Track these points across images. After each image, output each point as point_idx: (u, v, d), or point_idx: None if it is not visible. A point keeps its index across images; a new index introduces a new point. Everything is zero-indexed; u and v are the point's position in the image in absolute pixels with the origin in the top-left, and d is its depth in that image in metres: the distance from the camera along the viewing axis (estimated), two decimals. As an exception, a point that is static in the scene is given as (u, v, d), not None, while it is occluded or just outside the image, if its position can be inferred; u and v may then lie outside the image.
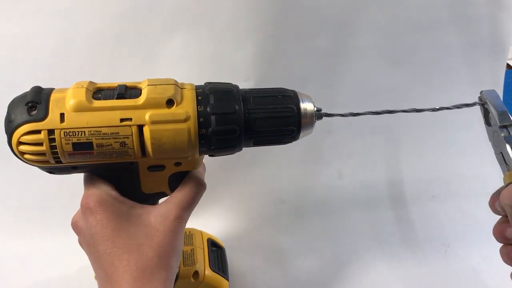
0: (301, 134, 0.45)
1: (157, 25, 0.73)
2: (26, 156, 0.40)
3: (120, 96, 0.40)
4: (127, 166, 0.43)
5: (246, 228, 0.80)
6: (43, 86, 0.41)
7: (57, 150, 0.39)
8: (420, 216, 0.84)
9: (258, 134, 0.43)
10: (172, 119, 0.40)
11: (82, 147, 0.39)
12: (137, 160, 0.43)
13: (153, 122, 0.40)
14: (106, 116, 0.39)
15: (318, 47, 0.79)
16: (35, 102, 0.39)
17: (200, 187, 0.46)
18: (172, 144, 0.41)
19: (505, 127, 0.43)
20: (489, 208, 0.43)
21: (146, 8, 0.71)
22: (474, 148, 0.87)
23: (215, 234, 0.71)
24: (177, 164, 0.45)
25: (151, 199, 0.47)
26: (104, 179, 0.44)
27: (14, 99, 0.41)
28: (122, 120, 0.40)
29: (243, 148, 0.45)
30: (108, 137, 0.39)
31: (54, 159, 0.40)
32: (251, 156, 0.82)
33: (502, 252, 0.42)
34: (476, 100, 0.47)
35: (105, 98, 0.40)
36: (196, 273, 0.59)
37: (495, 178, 0.46)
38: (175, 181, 0.46)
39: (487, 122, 0.46)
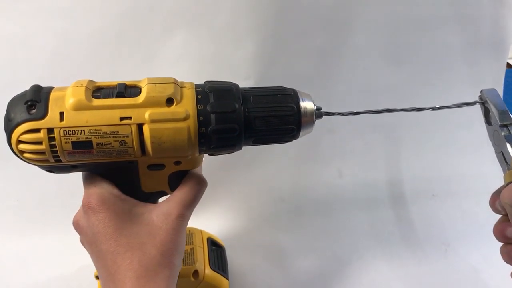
0: (301, 133, 0.45)
1: (157, 24, 0.73)
2: (26, 155, 0.40)
3: (120, 95, 0.40)
4: (127, 165, 0.43)
5: (246, 227, 0.80)
6: (43, 85, 0.41)
7: (57, 149, 0.39)
8: (420, 215, 0.84)
9: (258, 133, 0.43)
10: (171, 117, 0.40)
11: (82, 146, 0.39)
12: (136, 159, 0.43)
13: (153, 121, 0.40)
14: (106, 114, 0.39)
15: (318, 46, 0.79)
16: (35, 100, 0.39)
17: (201, 184, 0.46)
18: (172, 143, 0.41)
19: (505, 126, 0.43)
20: (490, 207, 0.43)
21: (146, 7, 0.71)
22: (474, 147, 0.87)
23: (215, 233, 0.71)
24: (177, 163, 0.45)
25: (151, 198, 0.46)
26: (104, 178, 0.44)
27: (13, 97, 0.41)
28: (121, 118, 0.39)
29: (243, 147, 0.45)
30: (108, 136, 0.39)
31: (54, 158, 0.40)
32: (251, 155, 0.82)
33: (503, 251, 0.42)
34: (477, 99, 0.47)
35: (105, 97, 0.40)
36: (196, 272, 0.59)
37: (496, 177, 0.46)
38: (175, 180, 0.46)
39: (488, 121, 0.46)
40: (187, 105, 0.41)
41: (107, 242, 0.41)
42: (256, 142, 0.45)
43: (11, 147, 0.40)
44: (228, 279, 0.64)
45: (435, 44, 0.85)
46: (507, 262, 0.41)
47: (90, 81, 0.42)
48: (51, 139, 0.39)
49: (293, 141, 0.46)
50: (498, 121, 0.44)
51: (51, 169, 0.43)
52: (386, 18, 0.80)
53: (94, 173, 0.44)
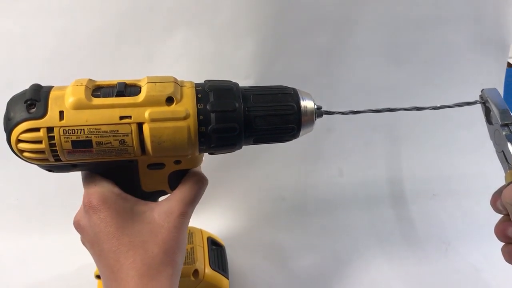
0: (301, 132, 0.45)
1: (157, 23, 0.73)
2: (25, 154, 0.40)
3: (120, 94, 0.40)
4: (127, 164, 0.43)
5: (246, 227, 0.80)
6: (42, 84, 0.41)
7: (56, 148, 0.39)
8: (420, 215, 0.84)
9: (258, 132, 0.43)
10: (171, 117, 0.40)
11: (82, 145, 0.39)
12: (136, 158, 0.43)
13: (153, 120, 0.40)
14: (106, 113, 0.39)
15: (318, 45, 0.79)
16: (34, 99, 0.39)
17: (202, 182, 0.46)
18: (171, 142, 0.40)
19: (506, 125, 0.43)
20: (490, 206, 0.43)
21: (146, 6, 0.71)
22: (474, 146, 0.87)
23: (215, 232, 0.71)
24: (177, 162, 0.45)
25: (151, 198, 0.46)
26: (104, 177, 0.44)
27: (13, 96, 0.40)
28: (121, 118, 0.39)
29: (243, 146, 0.45)
30: (108, 135, 0.39)
31: (54, 157, 0.40)
32: (251, 154, 0.82)
33: (504, 251, 0.42)
34: (477, 98, 0.47)
35: (105, 96, 0.40)
36: (196, 272, 0.59)
37: (496, 177, 0.46)
38: (175, 179, 0.46)
39: (488, 121, 0.46)
40: (187, 104, 0.41)
41: (109, 241, 0.41)
42: (256, 141, 0.45)
43: (10, 146, 0.40)
44: (228, 279, 0.64)
45: (435, 43, 0.84)
46: (508, 262, 0.41)
47: (90, 80, 0.41)
48: (51, 138, 0.39)
49: (293, 140, 0.46)
50: (499, 120, 0.43)
51: (50, 168, 0.43)
52: (387, 18, 0.80)
53: (94, 172, 0.44)
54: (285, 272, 0.73)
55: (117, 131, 0.39)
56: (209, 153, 0.45)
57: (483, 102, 0.46)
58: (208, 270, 0.61)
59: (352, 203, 0.86)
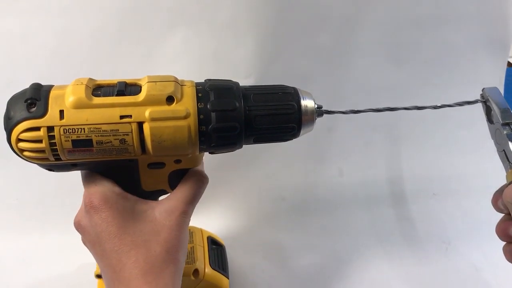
0: (301, 131, 0.45)
1: (157, 22, 0.72)
2: (26, 153, 0.40)
3: (120, 93, 0.40)
4: (127, 163, 0.43)
5: (246, 226, 0.80)
6: (43, 83, 0.41)
7: (57, 147, 0.39)
8: (420, 214, 0.84)
9: (258, 131, 0.43)
10: (172, 116, 0.40)
11: (82, 144, 0.39)
12: (137, 158, 0.43)
13: (153, 119, 0.40)
14: (106, 113, 0.39)
15: (319, 44, 0.79)
16: (35, 99, 0.39)
17: (202, 181, 0.46)
18: (172, 141, 0.40)
19: (507, 124, 0.43)
20: (491, 206, 0.43)
21: (146, 5, 0.71)
22: (475, 146, 0.87)
23: (215, 232, 0.71)
24: (177, 161, 0.45)
25: (151, 197, 0.46)
26: (104, 176, 0.44)
27: (13, 96, 0.40)
28: (121, 117, 0.39)
29: (244, 146, 0.45)
30: (108, 134, 0.39)
31: (54, 156, 0.40)
32: (252, 153, 0.82)
33: (505, 250, 0.42)
34: (478, 97, 0.47)
35: (105, 95, 0.40)
36: (196, 271, 0.59)
37: (497, 176, 0.45)
38: (175, 179, 0.46)
39: (489, 120, 0.46)
40: (187, 104, 0.41)
41: (111, 241, 0.41)
42: (257, 141, 0.44)
43: (11, 145, 0.40)
44: (228, 278, 0.64)
45: (436, 43, 0.84)
46: (510, 261, 0.41)
47: (90, 79, 0.41)
48: (51, 137, 0.39)
49: (294, 139, 0.46)
50: (500, 119, 0.43)
51: (51, 168, 0.43)
52: (387, 17, 0.80)
53: (94, 171, 0.44)
54: (285, 272, 0.73)
55: (118, 130, 0.39)
56: (209, 153, 0.45)
57: (484, 101, 0.46)
58: (208, 270, 0.61)
59: (352, 203, 0.85)
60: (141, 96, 0.40)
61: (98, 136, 0.39)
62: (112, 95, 0.40)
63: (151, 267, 0.40)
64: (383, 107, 0.47)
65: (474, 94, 0.48)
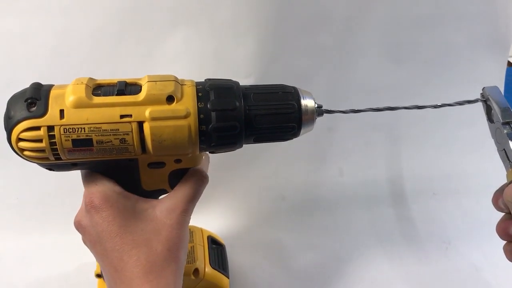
0: (301, 131, 0.45)
1: (157, 21, 0.72)
2: (26, 152, 0.40)
3: (120, 93, 0.40)
4: (127, 163, 0.43)
5: (246, 226, 0.80)
6: (43, 83, 0.41)
7: (57, 146, 0.39)
8: (421, 214, 0.84)
9: (258, 130, 0.43)
10: (172, 115, 0.40)
11: (82, 143, 0.39)
12: (137, 157, 0.42)
13: (153, 119, 0.40)
14: (106, 112, 0.39)
15: (319, 44, 0.79)
16: (35, 98, 0.39)
17: (202, 180, 0.46)
18: (172, 140, 0.40)
19: (508, 123, 0.43)
20: (491, 205, 0.43)
21: (146, 5, 0.71)
22: (475, 145, 0.87)
23: (215, 231, 0.71)
24: (177, 161, 0.45)
25: (151, 196, 0.46)
26: (105, 176, 0.44)
27: (13, 95, 0.40)
28: (122, 116, 0.39)
29: (244, 145, 0.45)
30: (108, 133, 0.39)
31: (54, 156, 0.40)
32: (252, 153, 0.82)
33: (506, 249, 0.42)
34: (478, 96, 0.47)
35: (105, 95, 0.40)
36: (196, 271, 0.59)
37: (497, 175, 0.45)
38: (175, 178, 0.46)
39: (490, 119, 0.46)
40: (187, 103, 0.41)
41: (112, 240, 0.41)
42: (257, 140, 0.44)
43: (11, 145, 0.40)
44: (228, 277, 0.64)
45: (436, 42, 0.84)
46: (510, 261, 0.41)
47: (90, 79, 0.41)
48: (51, 136, 0.39)
49: (294, 139, 0.46)
50: (500, 118, 0.43)
51: (51, 167, 0.43)
52: (387, 17, 0.80)
53: (94, 171, 0.44)
54: (285, 271, 0.73)
55: (118, 129, 0.39)
56: (209, 152, 0.45)
57: (484, 100, 0.46)
58: (209, 269, 0.61)
59: (353, 203, 0.85)
60: (141, 96, 0.40)
61: (98, 135, 0.39)
62: (112, 95, 0.40)
63: (153, 265, 0.40)
64: (383, 107, 0.47)
65: (474, 93, 0.48)
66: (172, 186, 0.46)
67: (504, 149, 0.43)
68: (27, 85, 0.41)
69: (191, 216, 0.45)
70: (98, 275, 0.61)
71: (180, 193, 0.45)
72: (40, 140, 0.39)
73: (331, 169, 0.87)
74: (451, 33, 0.84)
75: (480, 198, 0.83)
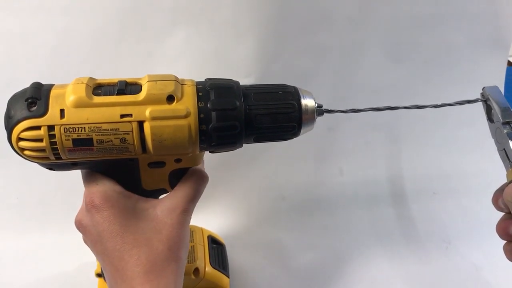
0: (302, 131, 0.45)
1: (158, 21, 0.72)
2: (26, 152, 0.40)
3: (120, 92, 0.40)
4: (127, 162, 0.43)
5: (247, 225, 0.80)
6: (43, 82, 0.41)
7: (57, 146, 0.39)
8: (421, 213, 0.84)
9: (258, 130, 0.43)
10: (172, 115, 0.40)
11: (82, 143, 0.39)
12: (137, 157, 0.42)
13: (154, 118, 0.40)
14: (106, 112, 0.39)
15: (319, 43, 0.79)
16: (35, 98, 0.39)
17: (203, 179, 0.46)
18: (172, 140, 0.40)
19: (508, 123, 0.43)
20: (491, 205, 0.43)
21: (146, 4, 0.71)
22: (475, 144, 0.87)
23: (215, 231, 0.71)
24: (178, 160, 0.45)
25: (151, 196, 0.46)
26: (105, 176, 0.44)
27: (14, 95, 0.40)
28: (122, 116, 0.39)
29: (244, 145, 0.45)
30: (108, 133, 0.39)
31: (54, 155, 0.40)
32: (252, 152, 0.82)
33: (506, 249, 0.42)
34: (478, 96, 0.47)
35: (105, 94, 0.40)
36: (196, 270, 0.59)
37: (497, 175, 0.45)
38: (176, 178, 0.46)
39: (490, 119, 0.46)
40: (187, 103, 0.41)
41: (113, 239, 0.41)
42: (257, 140, 0.44)
43: (11, 144, 0.40)
44: (228, 277, 0.64)
45: (436, 42, 0.84)
46: (510, 260, 0.41)
47: (91, 79, 0.41)
48: (52, 136, 0.39)
49: (294, 139, 0.46)
50: (500, 118, 0.43)
51: (51, 167, 0.43)
52: (387, 16, 0.80)
53: (95, 170, 0.44)
54: (285, 271, 0.73)
55: (118, 129, 0.39)
56: (209, 152, 0.45)
57: (484, 100, 0.46)
58: (209, 269, 0.61)
59: (353, 202, 0.86)
60: (141, 95, 0.40)
61: (99, 135, 0.39)
62: (113, 94, 0.40)
63: (153, 265, 0.40)
64: (383, 106, 0.47)
65: (474, 93, 0.48)
66: (172, 186, 0.46)
67: (504, 148, 0.43)
68: (27, 84, 0.41)
69: (192, 216, 0.45)
70: (98, 275, 0.61)
71: (180, 192, 0.45)
72: (40, 140, 0.39)
73: (331, 168, 0.87)
74: (451, 33, 0.84)
75: (480, 197, 0.83)
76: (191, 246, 0.62)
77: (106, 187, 0.43)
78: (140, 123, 0.40)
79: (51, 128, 0.39)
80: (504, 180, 0.42)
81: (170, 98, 0.40)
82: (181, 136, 0.40)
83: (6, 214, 0.76)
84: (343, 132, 0.86)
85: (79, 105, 0.39)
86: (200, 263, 0.60)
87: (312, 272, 0.73)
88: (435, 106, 0.47)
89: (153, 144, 0.40)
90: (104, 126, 0.39)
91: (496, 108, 0.44)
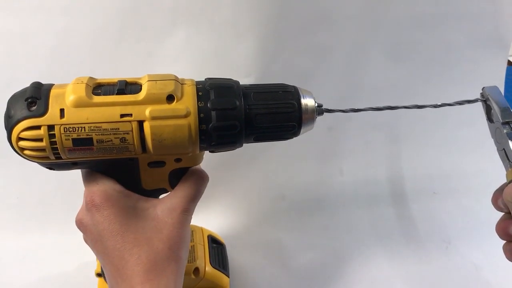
0: (302, 130, 0.45)
1: (158, 21, 0.72)
2: (26, 152, 0.40)
3: (120, 92, 0.40)
4: (127, 162, 0.43)
5: (247, 225, 0.80)
6: (43, 82, 0.41)
7: (57, 146, 0.39)
8: (421, 213, 0.84)
9: (258, 130, 0.43)
10: (172, 114, 0.40)
11: (82, 142, 0.39)
12: (137, 156, 0.43)
13: (154, 118, 0.40)
14: (106, 111, 0.39)
15: (319, 43, 0.79)
16: (35, 97, 0.39)
17: (203, 179, 0.46)
18: (172, 140, 0.40)
19: (507, 123, 0.43)
20: (491, 205, 0.43)
21: (146, 4, 0.71)
22: (475, 144, 0.87)
23: (215, 230, 0.71)
24: (178, 160, 0.45)
25: (151, 196, 0.46)
26: (105, 175, 0.44)
27: (14, 94, 0.40)
28: (122, 115, 0.39)
29: (244, 144, 0.45)
30: (108, 132, 0.39)
31: (54, 155, 0.40)
32: (252, 152, 0.82)
33: (506, 249, 0.42)
34: (478, 96, 0.47)
35: (105, 94, 0.40)
36: (196, 270, 0.59)
37: (497, 175, 0.45)
38: (176, 178, 0.46)
39: (489, 119, 0.46)
40: (187, 102, 0.41)
41: (113, 238, 0.41)
42: (257, 139, 0.44)
43: (11, 144, 0.40)
44: (228, 277, 0.64)
45: (436, 41, 0.84)
46: (510, 260, 0.41)
47: (91, 78, 0.41)
48: (52, 136, 0.39)
49: (294, 138, 0.46)
50: (500, 118, 0.43)
51: (51, 166, 0.43)
52: (387, 16, 0.80)
53: (95, 170, 0.44)
54: (285, 270, 0.73)
55: (118, 129, 0.39)
56: (209, 151, 0.45)
57: (484, 100, 0.46)
58: (209, 268, 0.61)
59: (353, 202, 0.86)
60: (141, 95, 0.40)
61: (99, 134, 0.39)
62: (113, 94, 0.40)
63: (154, 264, 0.40)
64: (383, 106, 0.47)
65: (474, 93, 0.48)
66: (172, 185, 0.46)
67: (503, 148, 0.43)
68: (27, 84, 0.41)
69: (192, 215, 0.46)
70: (98, 274, 0.61)
71: (181, 192, 0.45)
72: (40, 139, 0.39)
73: (331, 168, 0.87)
74: (451, 33, 0.84)
75: (480, 197, 0.83)
76: (191, 246, 0.62)
77: (106, 186, 0.43)
78: (140, 123, 0.40)
79: (51, 127, 0.39)
80: (503, 180, 0.42)
81: (170, 98, 0.40)
82: (181, 135, 0.40)
83: (6, 214, 0.76)
84: (343, 132, 0.86)
85: (79, 104, 0.39)
86: (200, 262, 0.60)
87: (312, 272, 0.73)
88: (435, 106, 0.47)
89: (153, 143, 0.40)
90: (104, 126, 0.39)
91: (495, 108, 0.44)
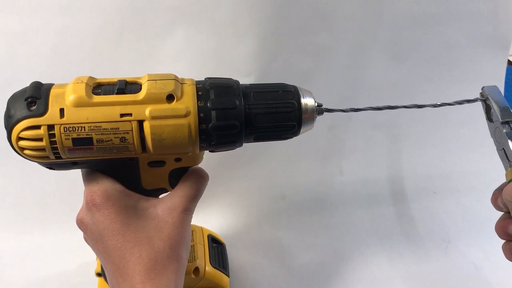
0: (301, 130, 0.45)
1: (157, 20, 0.72)
2: (26, 151, 0.40)
3: (120, 91, 0.40)
4: (127, 162, 0.43)
5: (247, 224, 0.80)
6: (43, 82, 0.41)
7: (57, 145, 0.39)
8: (421, 212, 0.84)
9: (258, 129, 0.43)
10: (172, 114, 0.40)
11: (82, 142, 0.39)
12: (137, 156, 0.43)
13: (153, 118, 0.40)
14: (106, 111, 0.39)
15: (319, 43, 0.79)
16: (35, 97, 0.39)
17: (203, 178, 0.47)
18: (172, 139, 0.40)
19: (507, 123, 0.43)
20: (491, 204, 0.43)
21: (146, 3, 0.71)
22: (475, 144, 0.87)
23: (215, 230, 0.71)
24: (178, 160, 0.45)
25: (151, 195, 0.46)
26: (105, 174, 0.44)
27: (13, 94, 0.40)
28: (122, 115, 0.39)
29: (244, 144, 0.45)
30: (108, 132, 0.39)
31: (54, 155, 0.40)
32: (252, 151, 0.82)
33: (505, 248, 0.42)
34: (478, 96, 0.47)
35: (105, 93, 0.40)
36: (196, 269, 0.59)
37: (497, 174, 0.46)
38: (176, 177, 0.46)
39: (489, 118, 0.46)
40: (187, 102, 0.41)
41: (114, 238, 0.41)
42: (257, 139, 0.45)
43: (11, 144, 0.40)
44: (228, 276, 0.64)
45: (436, 41, 0.84)
46: (509, 260, 0.41)
47: (91, 78, 0.41)
48: (52, 135, 0.39)
49: (294, 138, 0.46)
50: (499, 118, 0.43)
51: (51, 166, 0.43)
52: (387, 15, 0.80)
53: (95, 170, 0.44)
54: (285, 270, 0.73)
55: (118, 128, 0.39)
56: (209, 151, 0.45)
57: (484, 99, 0.46)
58: (209, 268, 0.61)
59: (353, 201, 0.86)
60: (141, 95, 0.40)
61: (99, 134, 0.39)
62: (113, 94, 0.40)
63: (154, 263, 0.40)
64: (383, 105, 0.47)
65: (474, 92, 0.48)
66: (173, 185, 0.46)
67: (503, 148, 0.43)
68: (27, 84, 0.41)
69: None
70: (99, 274, 0.61)
71: (181, 191, 0.45)
72: (40, 139, 0.39)
73: (331, 168, 0.87)
74: (451, 32, 0.85)
75: (480, 197, 0.83)
76: (191, 246, 0.62)
77: (106, 185, 0.43)
78: (140, 122, 0.40)
79: (51, 127, 0.39)
80: (503, 180, 0.42)
81: (170, 97, 0.40)
82: (181, 135, 0.40)
83: (6, 214, 0.76)
84: (343, 132, 0.86)
85: (79, 104, 0.39)
86: (200, 262, 0.60)
87: (312, 271, 0.73)
88: (435, 106, 0.47)
89: (153, 143, 0.40)
90: (104, 126, 0.39)
91: (495, 108, 0.44)
